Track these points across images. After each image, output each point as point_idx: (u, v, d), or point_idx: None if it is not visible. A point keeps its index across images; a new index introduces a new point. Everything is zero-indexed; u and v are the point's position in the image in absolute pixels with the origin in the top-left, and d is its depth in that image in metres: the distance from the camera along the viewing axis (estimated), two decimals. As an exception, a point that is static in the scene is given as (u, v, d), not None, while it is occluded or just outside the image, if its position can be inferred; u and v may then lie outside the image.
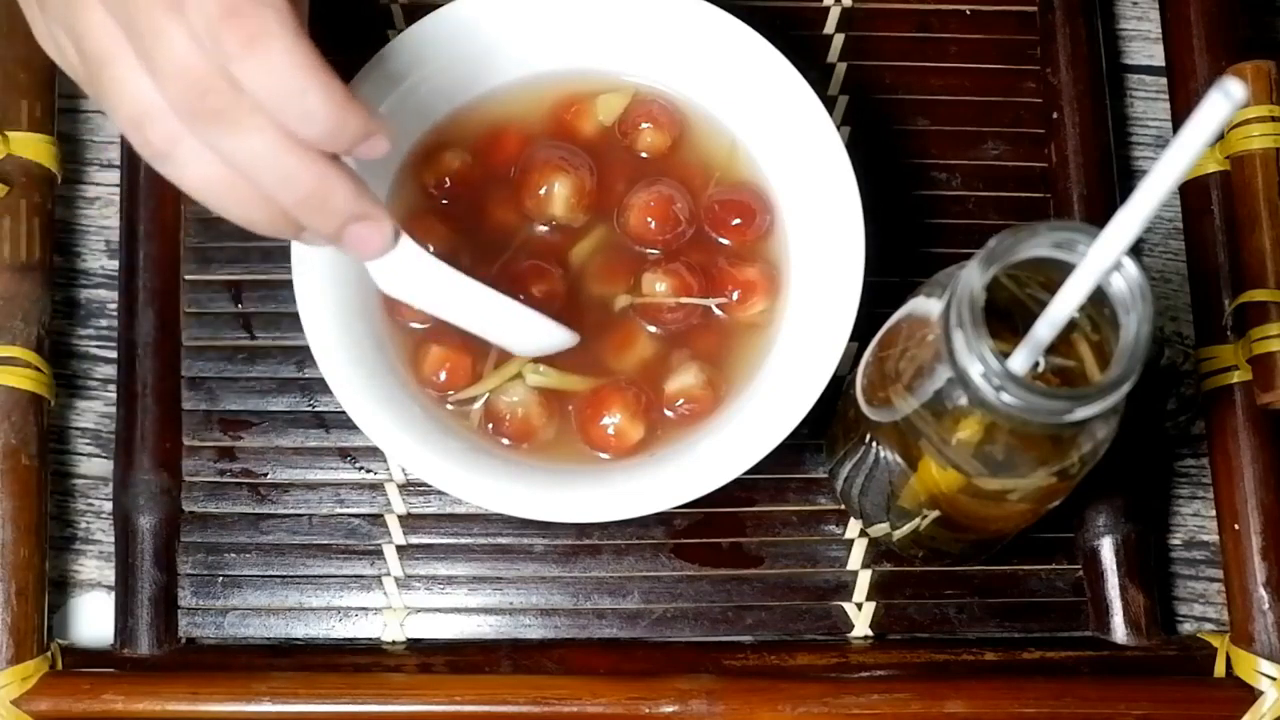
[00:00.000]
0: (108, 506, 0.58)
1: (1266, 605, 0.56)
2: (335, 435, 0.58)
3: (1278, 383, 0.56)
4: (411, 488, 0.58)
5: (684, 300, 0.55)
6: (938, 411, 0.44)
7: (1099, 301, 0.41)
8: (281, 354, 0.59)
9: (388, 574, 0.57)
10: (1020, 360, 0.42)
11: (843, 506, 0.58)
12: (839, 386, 0.54)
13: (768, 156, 0.57)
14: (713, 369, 0.55)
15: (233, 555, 0.57)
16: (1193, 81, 0.62)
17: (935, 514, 0.51)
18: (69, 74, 0.45)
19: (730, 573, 0.58)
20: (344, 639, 0.57)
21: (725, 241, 0.57)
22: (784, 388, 0.53)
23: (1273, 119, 0.59)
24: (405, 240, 0.47)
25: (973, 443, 0.44)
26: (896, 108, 0.62)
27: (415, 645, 0.57)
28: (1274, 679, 0.55)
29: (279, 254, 0.58)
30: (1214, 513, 0.59)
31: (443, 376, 0.54)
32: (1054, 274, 0.41)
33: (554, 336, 0.53)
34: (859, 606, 0.58)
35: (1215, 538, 0.59)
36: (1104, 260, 0.39)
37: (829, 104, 0.60)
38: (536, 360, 0.54)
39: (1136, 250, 0.62)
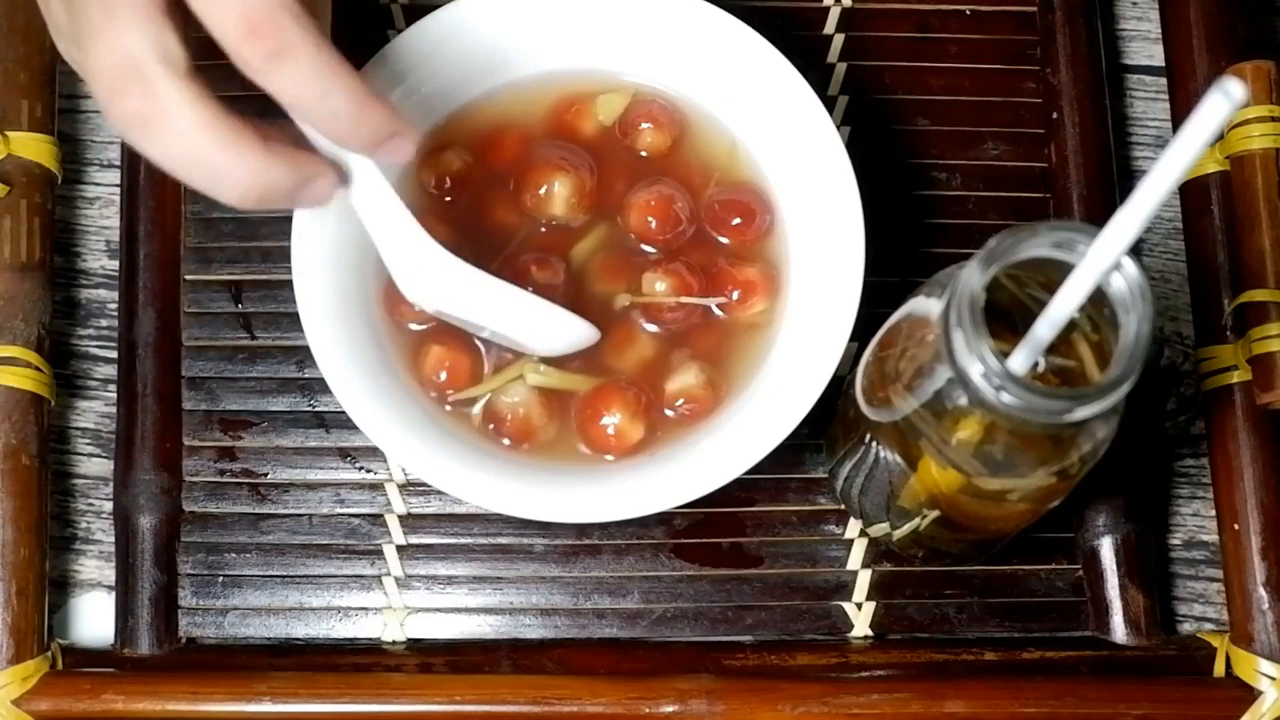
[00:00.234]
0: (108, 506, 0.58)
1: (1266, 605, 0.56)
2: (335, 435, 0.58)
3: (1277, 383, 0.56)
4: (411, 488, 0.58)
5: (684, 300, 0.55)
6: (938, 411, 0.44)
7: (1099, 301, 0.41)
8: (281, 354, 0.59)
9: (388, 574, 0.57)
10: (1020, 360, 0.42)
11: (843, 506, 0.58)
12: (839, 386, 0.54)
13: (768, 156, 0.57)
14: (713, 369, 0.55)
15: (233, 555, 0.57)
16: (1192, 81, 0.62)
17: (935, 514, 0.51)
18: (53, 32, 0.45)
19: (730, 573, 0.58)
20: (344, 639, 0.57)
21: (725, 241, 0.57)
22: (784, 388, 0.53)
23: (1272, 119, 0.59)
24: (438, 249, 0.48)
25: (973, 443, 0.44)
26: (896, 108, 0.62)
27: (415, 645, 0.57)
28: (1274, 679, 0.55)
29: (279, 254, 0.58)
30: (1214, 513, 0.59)
31: (443, 376, 0.54)
32: (1054, 274, 0.41)
33: (581, 332, 0.53)
34: (859, 606, 0.58)
35: (1215, 538, 0.59)
36: (1104, 260, 0.39)
37: (829, 104, 0.60)
38: (538, 360, 0.54)
39: (1136, 250, 0.62)
